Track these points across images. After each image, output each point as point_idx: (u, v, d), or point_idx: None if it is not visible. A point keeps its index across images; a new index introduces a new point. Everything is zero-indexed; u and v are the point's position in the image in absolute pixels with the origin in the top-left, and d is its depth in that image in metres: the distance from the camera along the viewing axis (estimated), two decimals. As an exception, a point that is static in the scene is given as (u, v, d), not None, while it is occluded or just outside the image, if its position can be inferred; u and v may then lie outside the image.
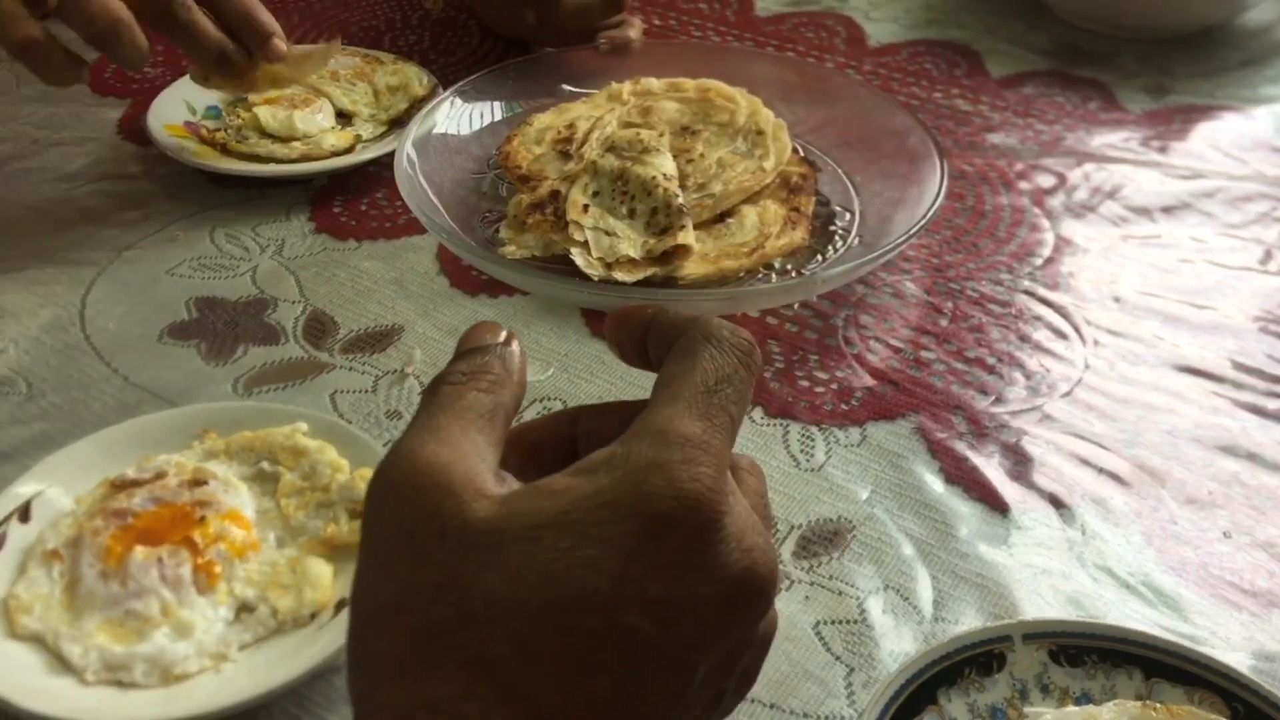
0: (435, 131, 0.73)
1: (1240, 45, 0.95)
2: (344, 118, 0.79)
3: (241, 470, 0.53)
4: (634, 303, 0.65)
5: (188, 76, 0.77)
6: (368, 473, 0.52)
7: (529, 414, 0.58)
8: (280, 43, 0.71)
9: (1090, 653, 0.44)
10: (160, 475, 0.50)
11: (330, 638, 0.45)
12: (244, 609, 0.47)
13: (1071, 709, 0.42)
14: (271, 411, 0.55)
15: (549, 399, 0.59)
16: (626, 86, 0.80)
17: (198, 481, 0.50)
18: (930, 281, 0.68)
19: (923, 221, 0.63)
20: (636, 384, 0.60)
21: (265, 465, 0.53)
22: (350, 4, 1.00)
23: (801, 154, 0.76)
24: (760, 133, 0.75)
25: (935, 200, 0.64)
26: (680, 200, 0.67)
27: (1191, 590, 0.49)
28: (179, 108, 0.79)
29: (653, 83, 0.81)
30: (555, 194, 0.69)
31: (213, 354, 0.62)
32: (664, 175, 0.68)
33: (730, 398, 0.33)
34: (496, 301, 0.66)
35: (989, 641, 0.44)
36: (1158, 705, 0.42)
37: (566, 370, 0.61)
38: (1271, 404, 0.59)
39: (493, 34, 0.94)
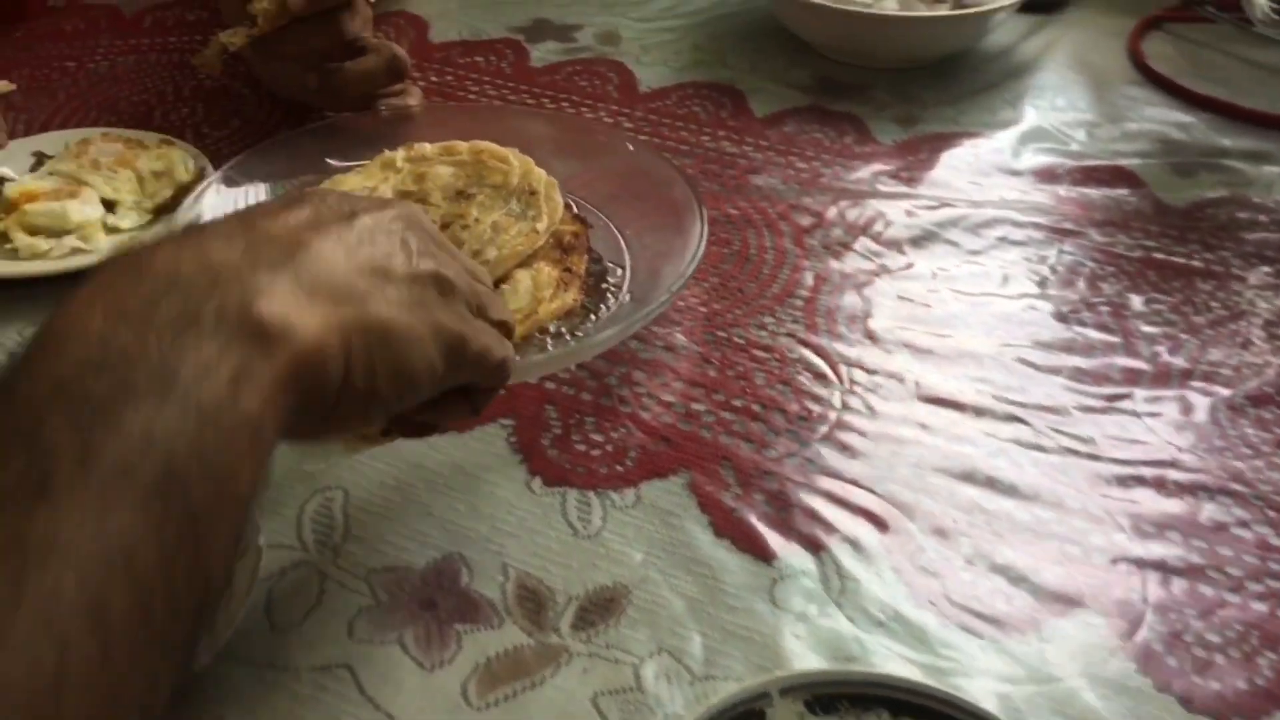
0: (204, 220, 0.73)
1: (981, 70, 1.02)
2: (108, 207, 0.78)
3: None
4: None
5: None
6: None
7: (313, 501, 0.59)
8: None
9: (842, 699, 0.48)
10: None
11: None
12: None
13: (824, 753, 0.46)
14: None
15: (330, 488, 0.60)
16: (400, 153, 0.81)
17: None
18: (700, 332, 0.71)
19: (683, 279, 0.66)
20: (418, 465, 0.61)
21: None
22: (119, 79, 0.98)
23: (575, 210, 0.79)
24: (533, 193, 0.78)
25: (695, 254, 0.68)
26: None
27: (937, 622, 0.53)
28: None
29: (426, 148, 0.82)
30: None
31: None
32: None
33: None
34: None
35: (748, 700, 0.47)
36: (902, 740, 0.46)
37: (346, 456, 0.62)
38: (1005, 429, 0.64)
39: (269, 102, 0.94)
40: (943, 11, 0.96)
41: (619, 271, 0.74)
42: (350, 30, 0.82)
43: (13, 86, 0.96)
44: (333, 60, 0.84)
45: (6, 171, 0.79)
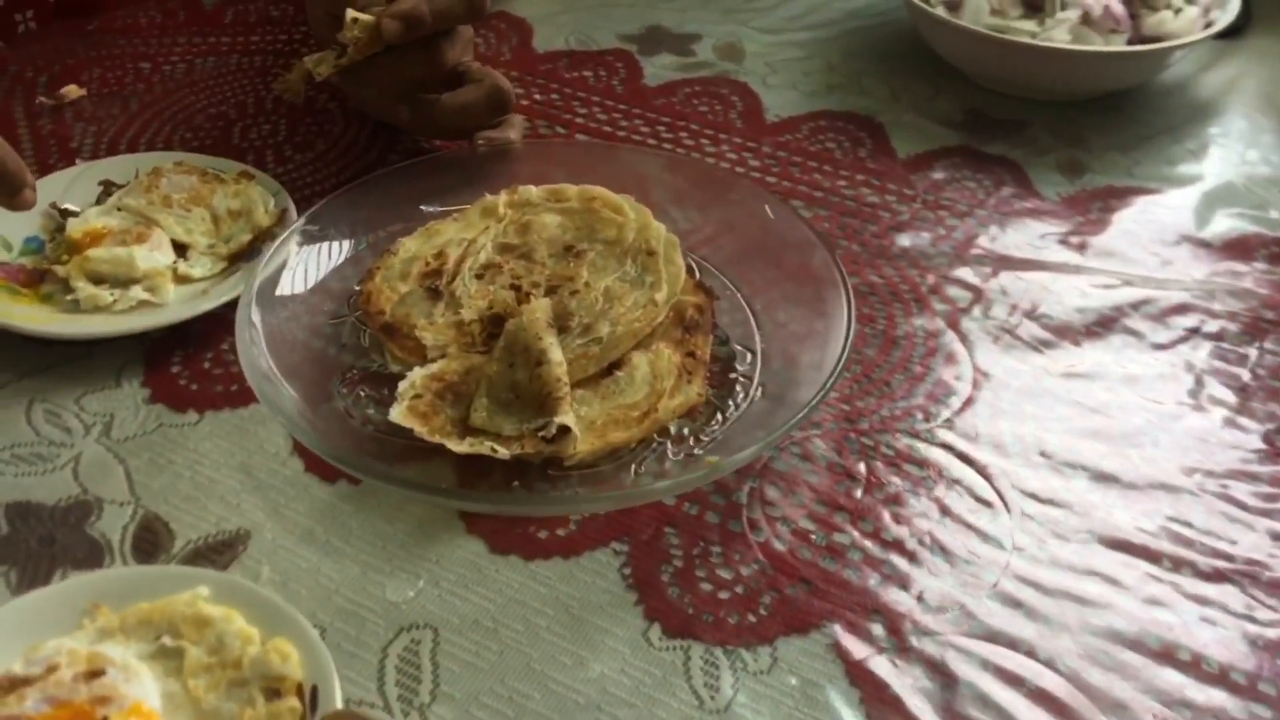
0: (283, 278, 0.64)
1: (1155, 107, 0.90)
2: (179, 249, 0.70)
3: (141, 649, 0.47)
4: (507, 511, 0.58)
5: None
6: (281, 644, 0.46)
7: (398, 643, 0.51)
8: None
9: None
10: (52, 668, 0.45)
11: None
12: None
13: None
14: (167, 575, 0.50)
15: (417, 626, 0.52)
16: (502, 198, 0.72)
17: (94, 672, 0.45)
18: (841, 436, 0.61)
19: (832, 377, 0.56)
20: (517, 599, 0.53)
21: (167, 640, 0.47)
22: (197, 85, 0.90)
23: (697, 275, 0.69)
24: (651, 253, 0.68)
25: (842, 351, 0.58)
26: (564, 388, 0.59)
27: None
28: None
29: (532, 191, 0.73)
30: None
31: (25, 585, 0.53)
32: (554, 362, 0.60)
33: None
34: (358, 491, 0.58)
35: None
36: None
37: (437, 584, 0.53)
38: (1210, 590, 0.54)
39: (357, 121, 0.85)
40: (1118, 45, 0.84)
41: (748, 357, 0.64)
42: (449, 59, 0.73)
43: (82, 92, 0.88)
44: (428, 91, 0.75)
45: (71, 206, 0.72)
